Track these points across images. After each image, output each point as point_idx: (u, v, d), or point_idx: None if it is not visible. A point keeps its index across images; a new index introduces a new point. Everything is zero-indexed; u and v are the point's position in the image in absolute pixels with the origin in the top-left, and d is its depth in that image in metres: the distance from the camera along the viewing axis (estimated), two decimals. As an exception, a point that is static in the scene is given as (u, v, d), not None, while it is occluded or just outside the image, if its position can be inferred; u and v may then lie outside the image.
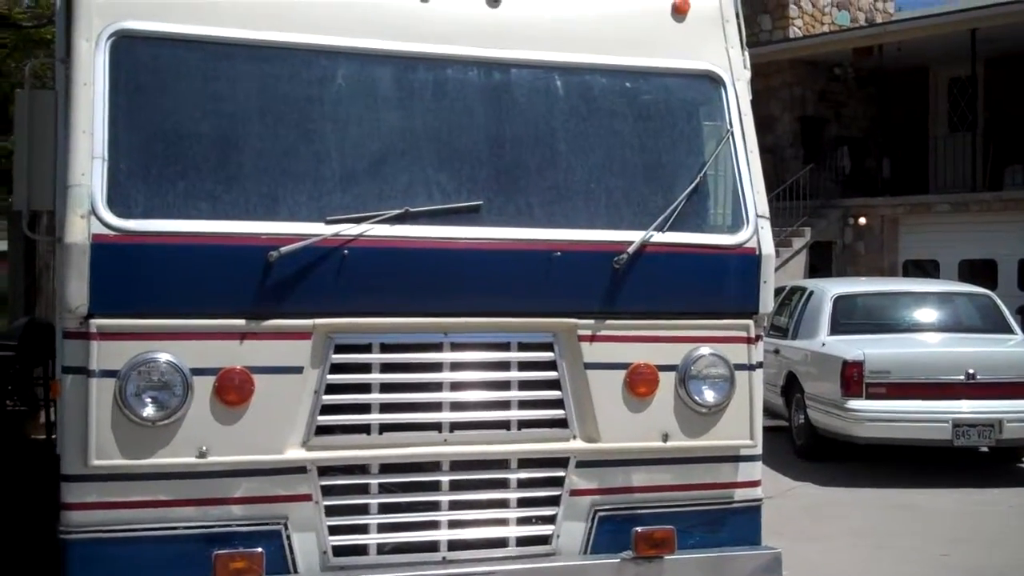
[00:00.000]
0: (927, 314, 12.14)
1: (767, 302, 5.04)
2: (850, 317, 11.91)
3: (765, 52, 22.74)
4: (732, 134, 5.11)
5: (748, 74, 5.28)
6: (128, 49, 4.49)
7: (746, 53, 5.30)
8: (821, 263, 22.69)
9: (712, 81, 5.19)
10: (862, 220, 22.51)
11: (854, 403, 10.71)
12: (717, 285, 5.00)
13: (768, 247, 5.03)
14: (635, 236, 4.81)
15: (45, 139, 4.91)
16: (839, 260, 22.95)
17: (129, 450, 4.27)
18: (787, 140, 24.50)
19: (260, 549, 4.36)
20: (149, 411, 4.28)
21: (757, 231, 5.01)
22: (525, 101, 4.97)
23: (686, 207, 4.95)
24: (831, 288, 12.45)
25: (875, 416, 10.67)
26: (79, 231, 4.22)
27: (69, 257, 4.23)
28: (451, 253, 4.63)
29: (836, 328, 11.72)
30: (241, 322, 4.39)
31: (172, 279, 4.34)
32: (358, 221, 4.51)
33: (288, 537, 4.46)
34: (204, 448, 4.33)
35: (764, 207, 5.08)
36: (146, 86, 4.54)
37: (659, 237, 4.86)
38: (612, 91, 5.10)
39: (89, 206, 4.25)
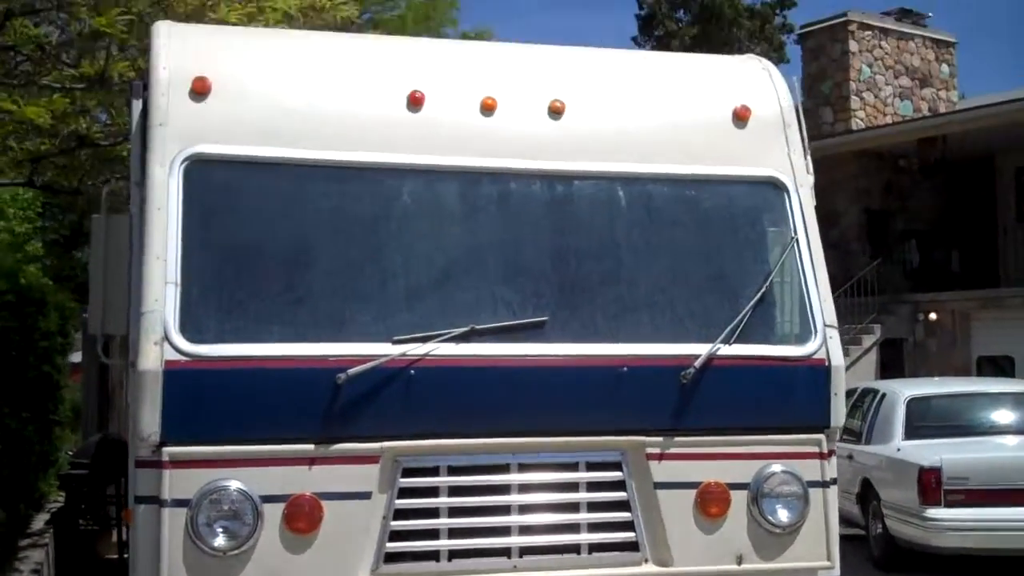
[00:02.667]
0: (1005, 415, 11.80)
1: (839, 415, 4.94)
2: (925, 420, 11.59)
3: (828, 145, 22.67)
4: (797, 241, 5.07)
5: (812, 179, 5.25)
6: (201, 173, 4.58)
7: (809, 158, 5.29)
8: (892, 361, 22.27)
9: (775, 188, 5.17)
10: (932, 316, 22.13)
11: (933, 511, 10.34)
12: (786, 398, 4.92)
13: (838, 358, 4.94)
14: (701, 349, 4.76)
15: (120, 263, 4.99)
16: (911, 358, 22.52)
17: None
18: (853, 234, 24.26)
19: None
20: (220, 541, 4.27)
21: (825, 341, 4.94)
22: (588, 213, 4.98)
23: (752, 318, 4.89)
24: (904, 390, 12.17)
25: (955, 525, 10.27)
26: (153, 358, 4.27)
27: (142, 384, 4.27)
28: (517, 371, 4.61)
29: (911, 432, 11.40)
30: (310, 447, 4.39)
31: (243, 404, 4.36)
32: (424, 340, 4.51)
33: (360, 668, 4.39)
34: (274, 577, 4.31)
35: (832, 316, 5.01)
36: (218, 209, 4.62)
37: (726, 350, 4.80)
38: (675, 200, 5.10)
39: (162, 332, 4.30)
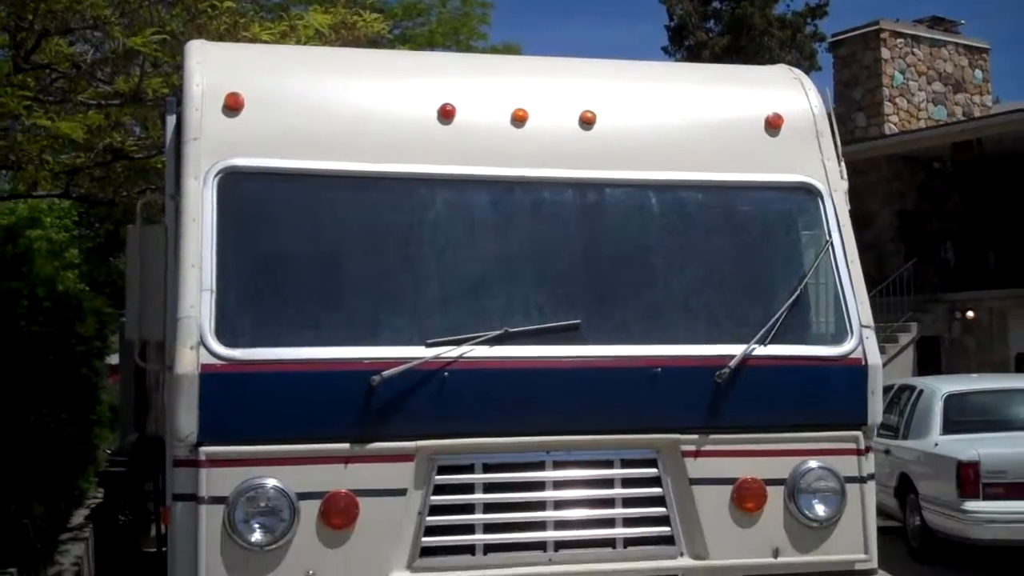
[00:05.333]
0: (1042, 410, 11.74)
1: (876, 413, 4.93)
2: (962, 415, 11.57)
3: (861, 149, 22.59)
4: (832, 244, 5.07)
5: (846, 184, 5.24)
6: (235, 185, 4.64)
7: (843, 164, 5.28)
8: (929, 359, 22.15)
9: (809, 193, 5.17)
10: (970, 314, 21.99)
11: (971, 504, 10.35)
12: (823, 397, 4.91)
13: (874, 357, 4.93)
14: (736, 350, 4.76)
15: (155, 271, 5.05)
16: (947, 355, 22.39)
17: (238, 575, 4.30)
18: (887, 235, 24.16)
19: None
20: (257, 536, 4.32)
21: (862, 341, 4.93)
22: (621, 219, 5.00)
23: (787, 319, 4.88)
24: (941, 386, 12.13)
25: (994, 517, 10.28)
26: (189, 362, 4.33)
27: (179, 387, 4.32)
28: (551, 372, 4.63)
29: (948, 427, 11.39)
30: (345, 446, 4.42)
31: (278, 405, 4.40)
32: (458, 343, 4.54)
33: (397, 661, 4.42)
34: (311, 572, 4.35)
35: (868, 317, 5.00)
36: (252, 219, 4.68)
37: (761, 350, 4.80)
38: (707, 206, 5.11)
39: (198, 337, 4.35)
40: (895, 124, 24.80)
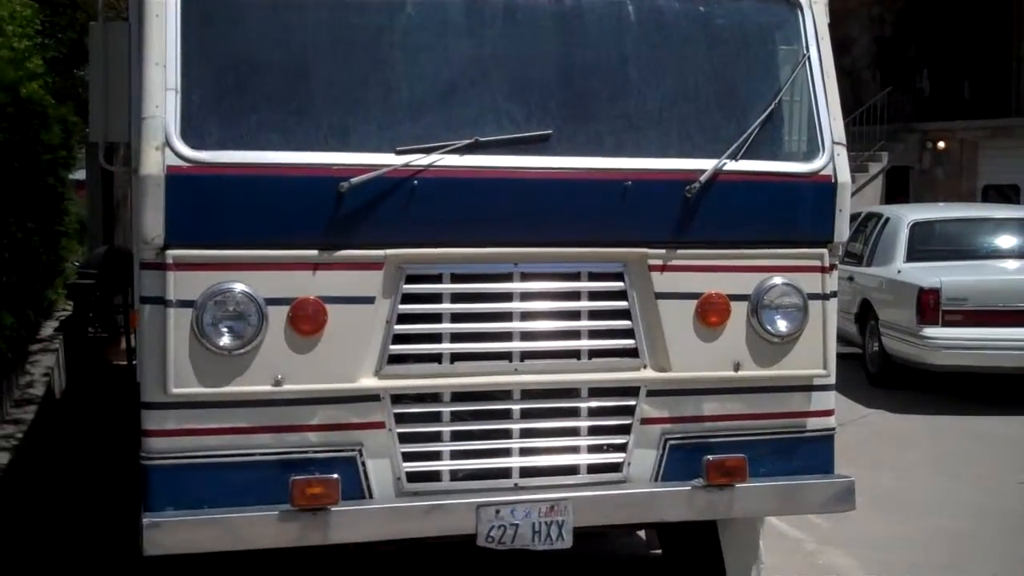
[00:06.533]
0: (1006, 240, 11.93)
1: (842, 231, 4.96)
2: (927, 244, 11.73)
3: (842, -29, 22.15)
4: (808, 59, 5.00)
5: (826, -4, 5.14)
6: None
7: (823, -26, 5.16)
8: (898, 188, 22.28)
9: (788, 4, 5.07)
10: (941, 144, 22.04)
11: (930, 331, 10.60)
12: (791, 214, 4.93)
13: (844, 175, 4.94)
14: (707, 164, 4.74)
15: (120, 71, 4.94)
16: (917, 185, 22.53)
17: (206, 378, 4.35)
18: (864, 62, 23.97)
19: (336, 475, 4.43)
20: (225, 340, 4.34)
21: (833, 158, 4.92)
22: (595, 28, 4.89)
23: (760, 134, 4.85)
24: (908, 214, 12.25)
25: (951, 344, 10.55)
26: (154, 163, 4.27)
27: (144, 189, 4.28)
28: (521, 183, 4.61)
29: (912, 255, 11.56)
30: (314, 253, 4.42)
31: (245, 210, 4.37)
32: (428, 151, 4.49)
33: (363, 463, 4.52)
34: (279, 376, 4.40)
35: (841, 134, 4.98)
36: (218, 17, 4.54)
37: (732, 165, 4.78)
38: (684, 16, 5.00)
39: (163, 138, 4.28)
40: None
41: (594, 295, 4.75)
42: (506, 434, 4.68)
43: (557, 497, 4.62)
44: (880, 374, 11.67)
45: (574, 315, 4.73)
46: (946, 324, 10.58)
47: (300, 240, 4.42)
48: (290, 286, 4.41)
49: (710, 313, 4.81)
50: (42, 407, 9.01)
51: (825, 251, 4.93)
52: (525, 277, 4.67)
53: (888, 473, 8.14)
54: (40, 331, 11.56)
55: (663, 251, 4.76)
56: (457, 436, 4.64)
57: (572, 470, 4.75)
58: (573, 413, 4.75)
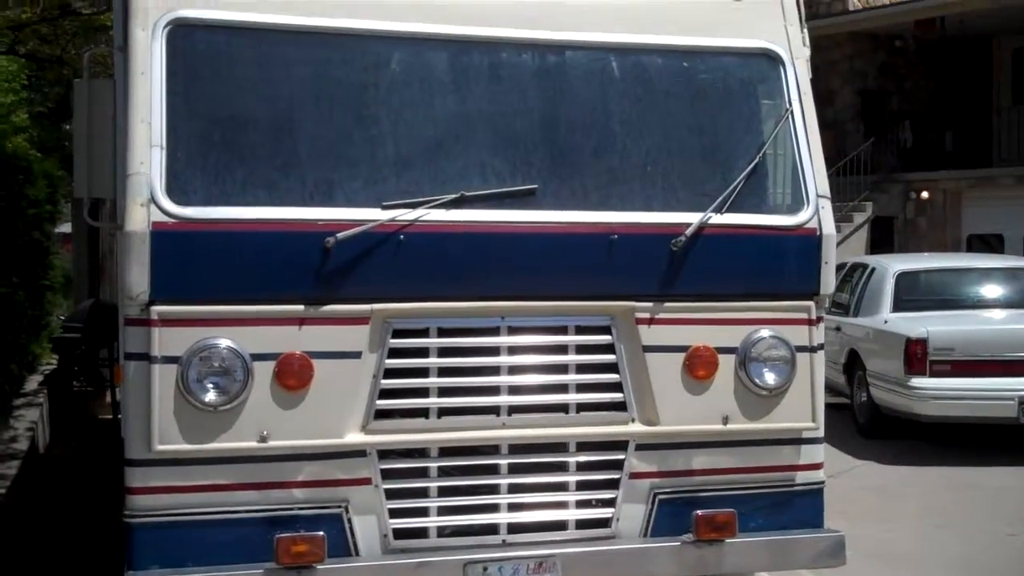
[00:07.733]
0: (991, 290, 11.94)
1: (828, 283, 4.97)
2: (913, 294, 11.74)
3: (824, 25, 22.42)
4: (792, 113, 5.04)
5: (808, 52, 5.19)
6: (184, 37, 4.51)
7: (805, 31, 5.22)
8: (883, 238, 22.39)
9: (770, 59, 5.12)
10: (924, 194, 22.18)
11: (918, 381, 10.57)
12: (777, 266, 4.94)
13: (829, 227, 4.95)
14: (693, 218, 4.76)
15: (104, 127, 4.94)
16: (901, 235, 22.64)
17: (191, 435, 4.31)
18: (847, 114, 24.18)
19: (322, 532, 4.38)
20: (211, 396, 4.32)
21: (818, 211, 4.94)
22: (580, 83, 4.92)
23: (745, 188, 4.88)
24: (893, 264, 12.27)
25: (939, 394, 10.52)
26: (139, 219, 4.26)
27: (130, 245, 4.27)
28: (507, 237, 4.61)
29: (899, 305, 11.56)
30: (300, 308, 4.40)
31: (231, 265, 4.36)
32: (414, 206, 4.50)
33: (349, 520, 4.48)
34: (265, 432, 4.37)
35: (825, 187, 5.01)
36: (203, 74, 4.56)
37: (717, 219, 4.80)
38: (668, 71, 5.04)
39: (148, 194, 4.28)
40: (858, 0, 24.60)
41: (581, 349, 4.74)
42: (494, 489, 4.66)
43: (545, 554, 4.59)
44: (869, 424, 11.64)
45: (562, 369, 4.72)
46: (934, 374, 10.56)
47: (286, 295, 4.41)
48: (276, 341, 4.39)
49: (698, 366, 4.80)
50: (25, 462, 8.92)
51: (812, 303, 4.94)
52: (512, 331, 4.66)
53: (878, 525, 8.09)
54: (24, 385, 11.49)
55: (650, 304, 4.76)
56: (444, 492, 4.61)
57: (560, 526, 4.72)
58: (561, 468, 4.73)
